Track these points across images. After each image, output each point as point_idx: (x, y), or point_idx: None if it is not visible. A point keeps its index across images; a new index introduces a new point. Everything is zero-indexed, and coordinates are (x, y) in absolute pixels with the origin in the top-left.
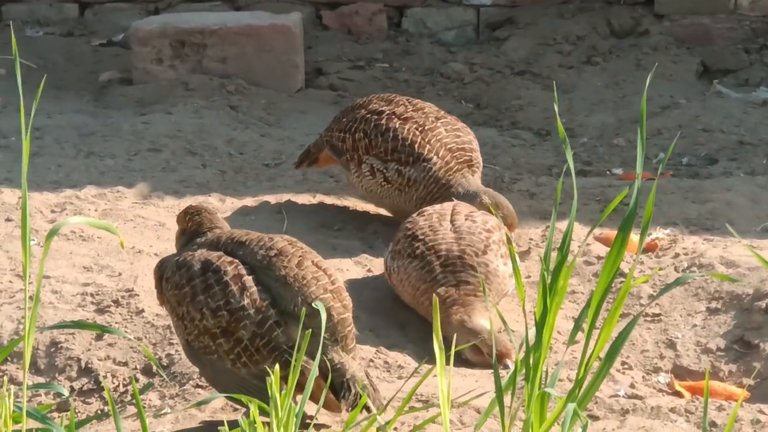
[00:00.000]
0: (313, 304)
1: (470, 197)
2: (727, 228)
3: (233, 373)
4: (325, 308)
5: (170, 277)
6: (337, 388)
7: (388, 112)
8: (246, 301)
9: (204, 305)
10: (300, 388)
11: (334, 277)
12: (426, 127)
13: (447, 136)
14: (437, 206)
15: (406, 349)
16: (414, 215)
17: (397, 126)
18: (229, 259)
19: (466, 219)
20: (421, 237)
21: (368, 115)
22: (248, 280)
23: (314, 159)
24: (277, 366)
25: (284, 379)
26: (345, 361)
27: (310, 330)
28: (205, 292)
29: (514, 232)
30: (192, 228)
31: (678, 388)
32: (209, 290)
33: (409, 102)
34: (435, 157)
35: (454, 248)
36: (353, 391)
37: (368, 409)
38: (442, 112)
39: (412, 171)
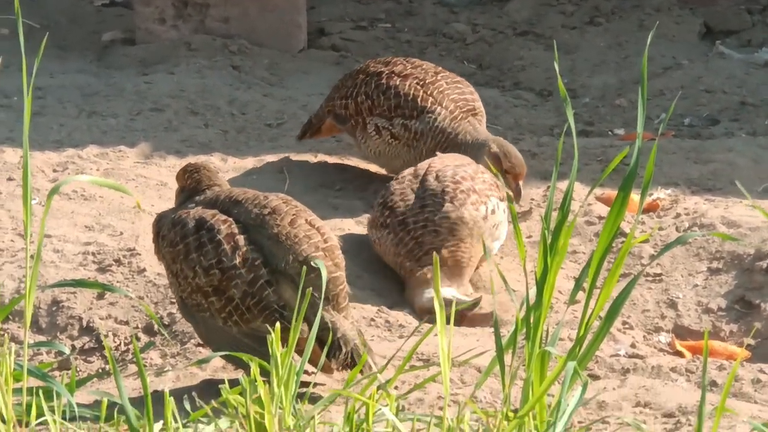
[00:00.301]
0: (312, 263)
1: (478, 146)
2: (729, 188)
3: (225, 331)
4: (316, 267)
5: (166, 234)
6: (328, 347)
7: (387, 72)
8: (238, 260)
9: (197, 263)
10: (295, 348)
11: (327, 235)
12: (426, 81)
13: (448, 87)
14: (417, 166)
15: (408, 309)
16: (393, 180)
17: (398, 83)
18: (223, 217)
19: (435, 178)
20: (390, 205)
21: (367, 78)
22: (241, 239)
23: (317, 129)
24: (278, 325)
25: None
26: (336, 320)
27: (310, 289)
28: (198, 250)
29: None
30: (191, 185)
31: (679, 347)
32: (202, 248)
33: (407, 61)
34: (439, 107)
35: (420, 217)
36: (344, 350)
37: (362, 370)
38: (440, 68)
39: (418, 124)
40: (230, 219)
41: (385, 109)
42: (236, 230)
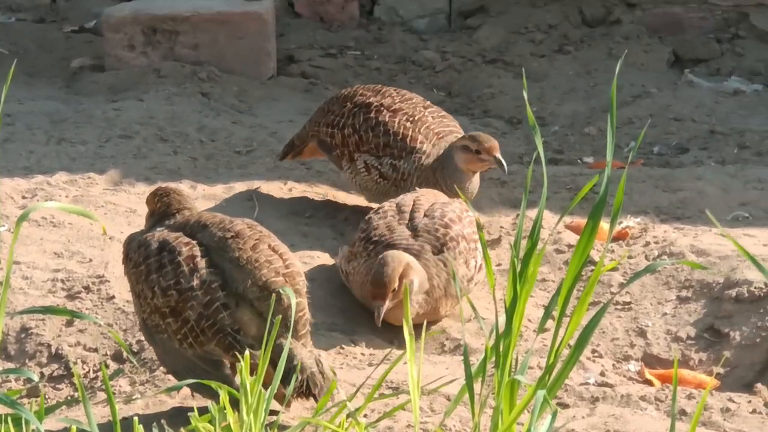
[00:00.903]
0: (278, 290)
1: (448, 151)
2: (698, 217)
3: (180, 353)
4: (276, 293)
5: (132, 255)
6: (282, 374)
7: (376, 104)
8: (195, 282)
9: (156, 284)
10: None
11: (289, 261)
12: (416, 118)
13: (434, 122)
14: (397, 199)
15: (378, 337)
16: (372, 213)
17: (387, 119)
18: (186, 240)
19: (425, 215)
20: (375, 239)
21: (356, 109)
22: (201, 261)
23: (299, 151)
24: (247, 353)
25: (232, 364)
26: (294, 347)
27: (280, 317)
28: (158, 270)
29: (486, 221)
30: (161, 209)
31: (648, 376)
32: (162, 269)
33: (397, 92)
34: (426, 145)
35: (414, 247)
36: (299, 378)
37: (315, 398)
38: (428, 101)
39: (406, 164)
40: (193, 242)
41: (373, 147)
42: (197, 252)
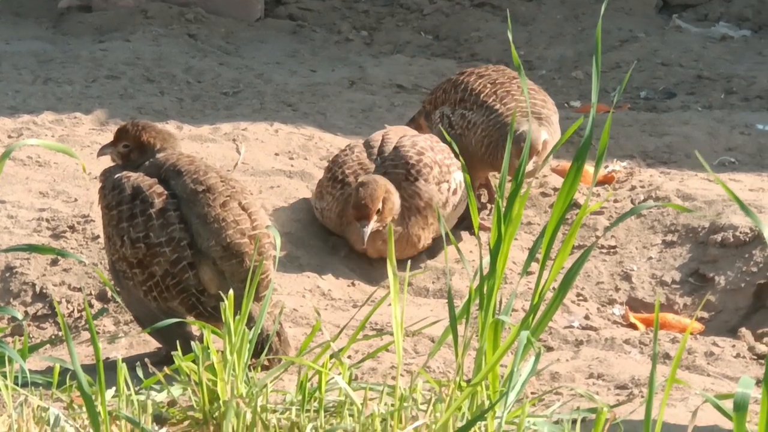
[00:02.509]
0: (234, 249)
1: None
2: (684, 161)
3: (144, 304)
4: (240, 253)
5: (107, 194)
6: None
7: (468, 71)
8: (164, 238)
9: (126, 233)
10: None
11: (257, 222)
12: (497, 81)
13: (516, 91)
14: (368, 138)
15: (361, 278)
16: (340, 151)
17: (471, 80)
18: (160, 189)
19: (395, 148)
20: (341, 178)
21: (452, 77)
22: (172, 216)
23: (416, 126)
24: (230, 292)
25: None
26: (253, 308)
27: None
28: (129, 220)
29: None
30: (145, 144)
31: (632, 320)
32: (133, 219)
33: (495, 67)
34: (499, 105)
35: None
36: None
37: (276, 360)
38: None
39: (474, 116)
40: (166, 192)
41: (451, 101)
42: (170, 206)
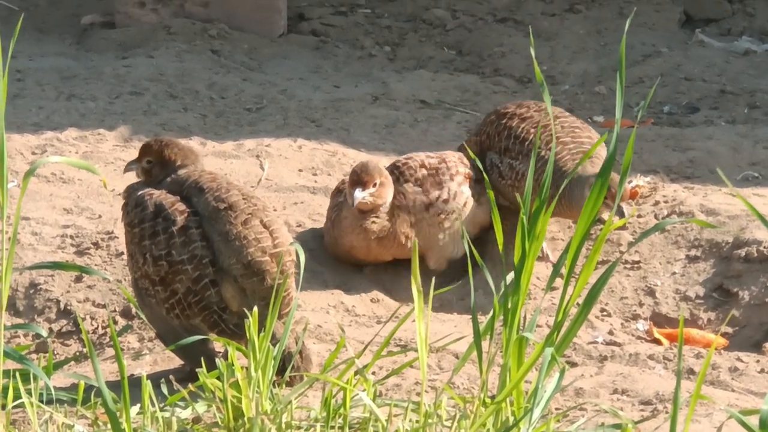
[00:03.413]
0: (256, 267)
1: (580, 179)
2: (708, 176)
3: (167, 321)
4: (261, 271)
5: (129, 211)
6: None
7: (510, 113)
8: (186, 256)
9: (148, 251)
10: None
11: (279, 240)
12: (540, 124)
13: (562, 131)
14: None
15: (388, 296)
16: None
17: (515, 124)
18: (182, 207)
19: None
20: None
21: (493, 117)
22: (194, 233)
23: None
24: (255, 309)
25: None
26: (275, 326)
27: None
28: (151, 237)
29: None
30: (167, 161)
31: (657, 335)
32: (155, 237)
33: (536, 104)
34: (544, 150)
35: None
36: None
37: (298, 378)
38: (566, 113)
39: (522, 166)
40: (188, 210)
41: (497, 149)
42: (192, 223)
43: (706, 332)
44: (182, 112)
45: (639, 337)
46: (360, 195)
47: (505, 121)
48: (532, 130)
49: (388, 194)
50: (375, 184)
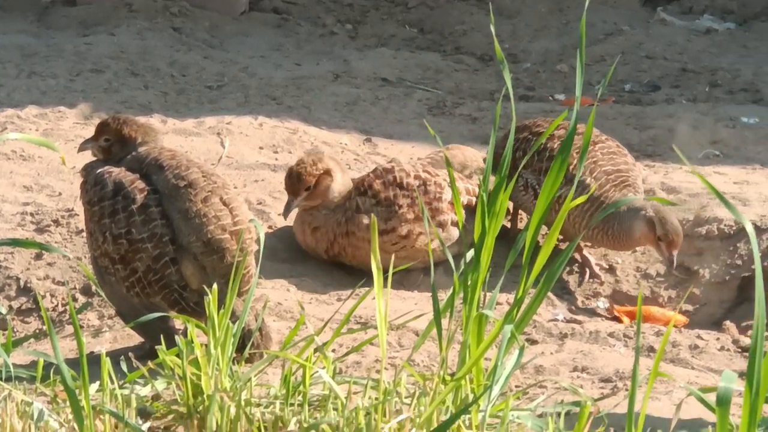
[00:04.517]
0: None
1: (633, 212)
2: (669, 154)
3: (126, 299)
4: (221, 249)
5: (88, 189)
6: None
7: (551, 134)
8: (146, 234)
9: (108, 229)
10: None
11: (239, 217)
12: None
13: (603, 158)
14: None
15: (347, 277)
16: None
17: (556, 146)
18: (141, 185)
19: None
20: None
21: (527, 135)
22: (154, 212)
23: None
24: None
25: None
26: (235, 304)
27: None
28: (111, 216)
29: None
30: (126, 138)
31: (617, 313)
32: (115, 215)
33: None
34: (589, 178)
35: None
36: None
37: (257, 355)
38: (603, 136)
39: (563, 189)
40: (147, 188)
41: (535, 169)
42: (151, 201)
43: (666, 310)
44: (143, 90)
45: (599, 315)
46: (291, 206)
47: (548, 143)
48: (574, 154)
49: (330, 192)
50: (308, 188)
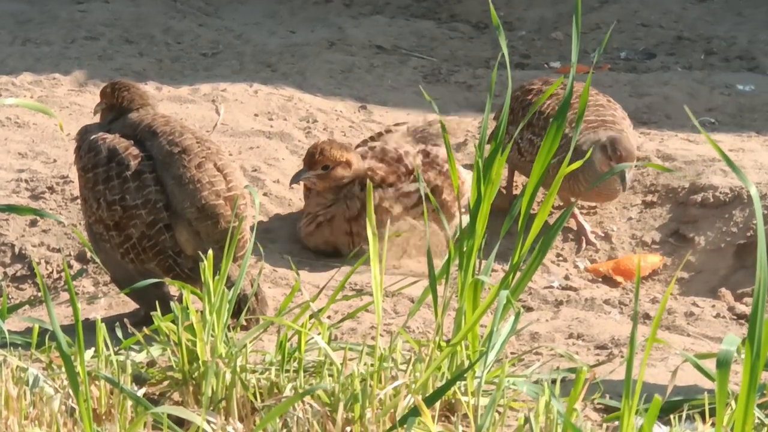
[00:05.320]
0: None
1: (592, 145)
2: (664, 121)
3: (121, 265)
4: (215, 215)
5: (83, 155)
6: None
7: (536, 90)
8: (140, 200)
9: (102, 195)
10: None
11: (233, 183)
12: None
13: (590, 112)
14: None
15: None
16: None
17: (549, 108)
18: (135, 151)
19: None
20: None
21: (518, 93)
22: (148, 178)
23: None
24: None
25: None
26: (230, 269)
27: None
28: (105, 182)
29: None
30: (120, 103)
31: (602, 270)
32: (109, 182)
33: (564, 82)
34: (569, 128)
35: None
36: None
37: (253, 321)
38: (594, 91)
39: (540, 140)
40: (141, 154)
41: (519, 123)
42: (145, 168)
43: (645, 255)
44: (138, 57)
45: (594, 281)
46: (301, 176)
47: (530, 97)
48: (557, 107)
49: (340, 178)
50: (326, 167)
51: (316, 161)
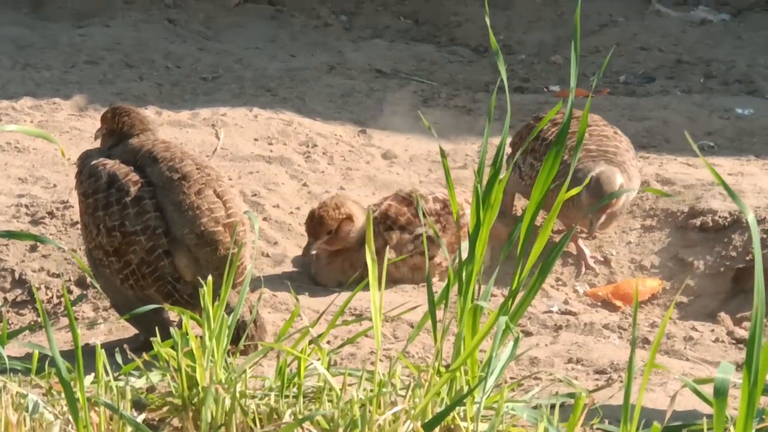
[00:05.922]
0: (209, 237)
1: (584, 174)
2: (663, 146)
3: (121, 291)
4: (214, 241)
5: (83, 180)
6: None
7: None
8: (140, 227)
9: (101, 221)
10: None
11: (232, 210)
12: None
13: (589, 139)
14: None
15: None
16: None
17: (545, 127)
18: (135, 177)
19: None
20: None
21: (531, 122)
22: (147, 204)
23: None
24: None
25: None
26: (229, 296)
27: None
28: (105, 208)
29: (451, 149)
30: (120, 129)
31: (600, 294)
32: (109, 208)
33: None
34: (567, 155)
35: None
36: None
37: (252, 347)
38: (603, 123)
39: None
40: (141, 180)
41: (526, 149)
42: (145, 194)
43: (644, 279)
44: (138, 82)
45: (593, 305)
46: (312, 249)
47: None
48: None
49: (349, 236)
50: (330, 232)
51: (320, 231)
